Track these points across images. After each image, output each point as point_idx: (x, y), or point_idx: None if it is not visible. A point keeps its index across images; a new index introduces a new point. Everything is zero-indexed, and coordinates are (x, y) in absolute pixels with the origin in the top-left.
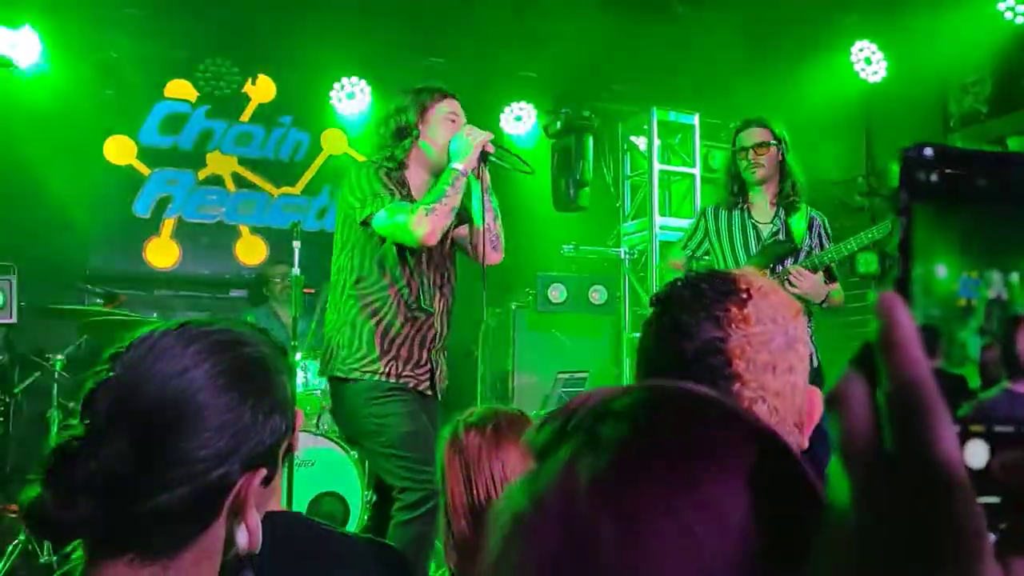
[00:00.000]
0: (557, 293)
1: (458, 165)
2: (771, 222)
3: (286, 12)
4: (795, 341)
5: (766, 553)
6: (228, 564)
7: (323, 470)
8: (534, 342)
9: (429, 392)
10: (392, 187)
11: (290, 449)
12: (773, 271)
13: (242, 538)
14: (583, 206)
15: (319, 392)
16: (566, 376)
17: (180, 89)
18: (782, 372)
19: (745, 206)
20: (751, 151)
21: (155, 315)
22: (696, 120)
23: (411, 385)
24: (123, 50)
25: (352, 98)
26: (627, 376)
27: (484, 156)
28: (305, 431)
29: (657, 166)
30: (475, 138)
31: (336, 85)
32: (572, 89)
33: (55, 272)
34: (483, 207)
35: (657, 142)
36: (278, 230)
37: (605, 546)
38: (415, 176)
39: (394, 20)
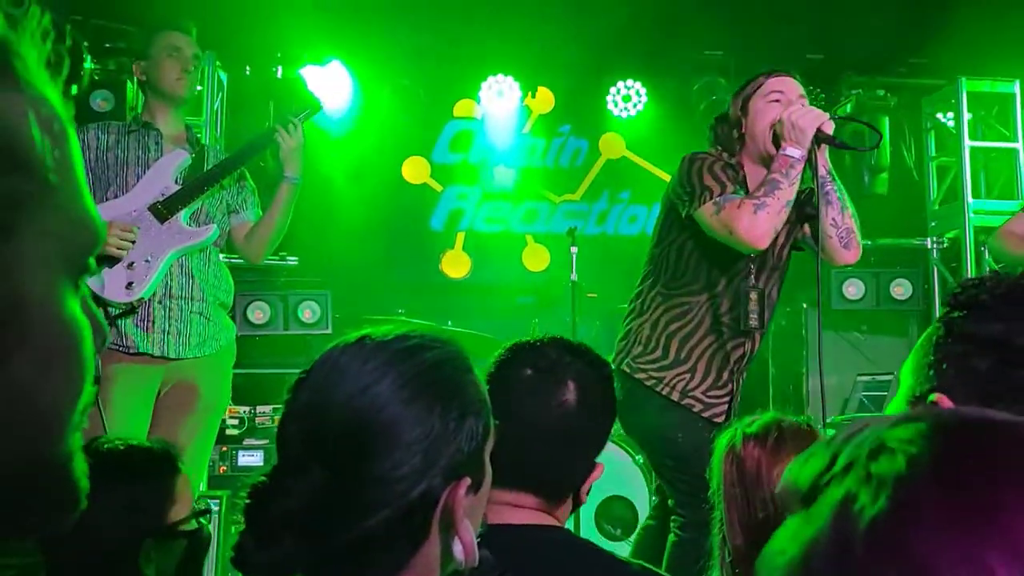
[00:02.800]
0: (854, 289)
1: (792, 151)
2: None
3: (558, 23)
4: None
5: None
6: None
7: (610, 474)
8: (829, 342)
9: (720, 419)
10: (725, 180)
11: (577, 502)
12: None
13: (458, 553)
14: (881, 193)
15: None
16: (867, 379)
17: (466, 108)
18: None
19: None
20: None
21: (449, 323)
22: (1017, 88)
23: (696, 409)
24: (415, 76)
25: (628, 101)
26: None
27: (819, 139)
28: None
29: (968, 143)
30: (807, 118)
31: (612, 90)
32: (862, 68)
33: (364, 286)
34: (823, 198)
35: (968, 116)
36: (560, 237)
37: None
38: (752, 175)
39: (666, 17)
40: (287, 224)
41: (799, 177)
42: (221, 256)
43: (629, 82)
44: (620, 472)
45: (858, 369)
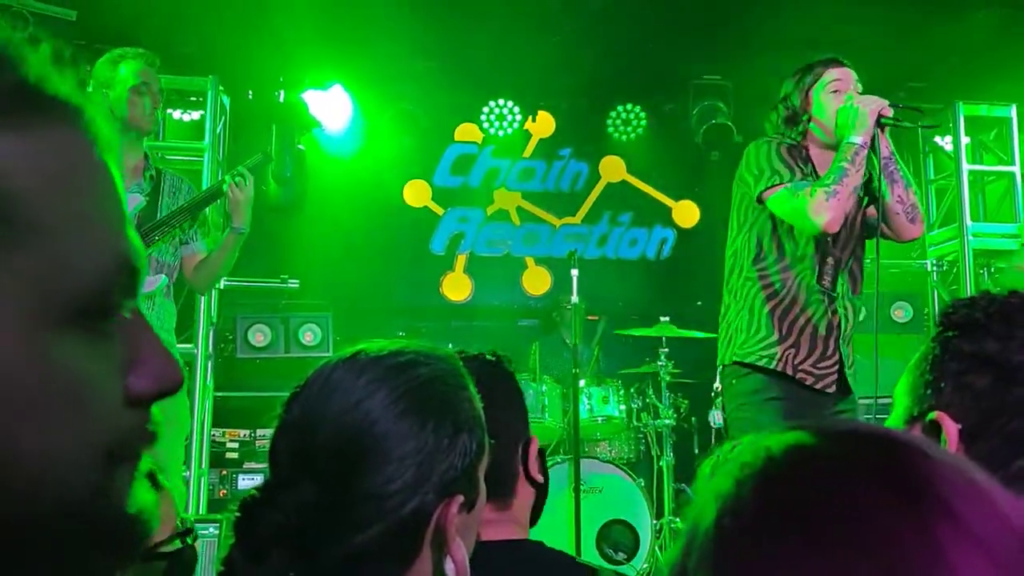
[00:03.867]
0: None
1: (855, 138)
2: None
3: (558, 48)
4: None
5: None
6: None
7: (611, 497)
8: None
9: (832, 389)
10: (793, 164)
11: (535, 483)
12: None
13: (450, 572)
14: None
15: (602, 419)
16: (868, 402)
17: (468, 132)
18: None
19: None
20: None
21: (450, 345)
22: (1014, 112)
23: (808, 383)
24: (416, 100)
25: (628, 125)
26: None
27: (880, 123)
28: (592, 457)
29: (966, 166)
30: (868, 105)
31: (612, 113)
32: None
33: (365, 309)
34: (889, 177)
35: (966, 140)
36: (561, 259)
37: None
38: (818, 157)
39: (665, 43)
40: (231, 266)
41: (864, 162)
42: (169, 296)
43: (629, 106)
44: (621, 495)
45: (858, 392)
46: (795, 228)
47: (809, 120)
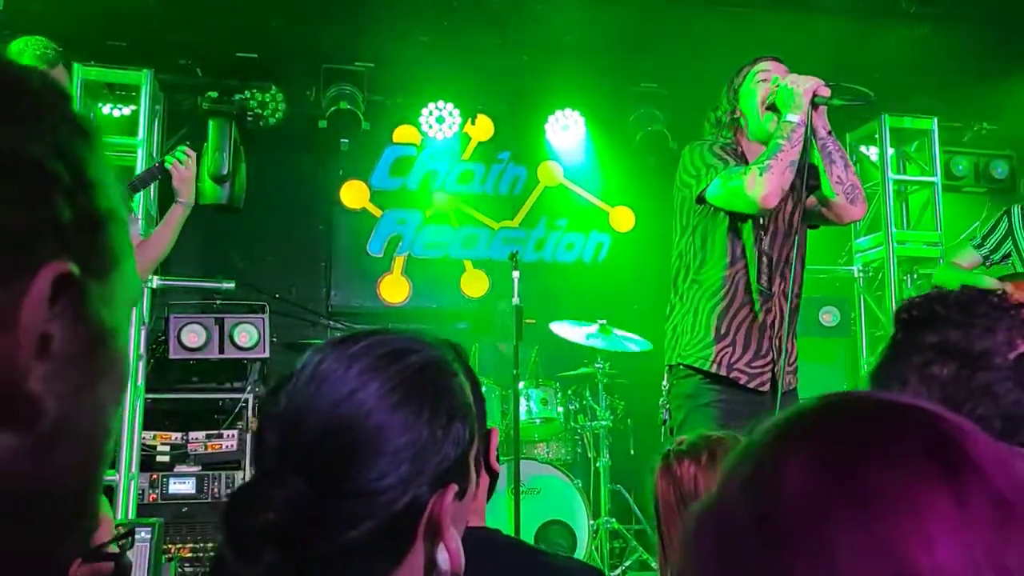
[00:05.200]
0: None
1: (791, 116)
2: None
3: (498, 52)
4: None
5: None
6: None
7: (549, 498)
8: None
9: (765, 388)
10: (727, 157)
11: (492, 472)
12: None
13: (443, 561)
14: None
15: (539, 421)
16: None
17: (407, 134)
18: None
19: None
20: None
21: None
22: (935, 125)
23: (743, 382)
24: (355, 101)
25: (566, 130)
26: None
27: (816, 101)
28: (530, 459)
29: (891, 176)
30: (802, 84)
31: (551, 118)
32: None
33: (301, 309)
34: (827, 157)
35: (890, 151)
36: (499, 263)
37: (753, 550)
38: (750, 149)
39: (604, 50)
40: (172, 245)
41: (800, 139)
42: None
43: (567, 111)
44: (559, 496)
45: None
46: (736, 224)
47: (739, 116)
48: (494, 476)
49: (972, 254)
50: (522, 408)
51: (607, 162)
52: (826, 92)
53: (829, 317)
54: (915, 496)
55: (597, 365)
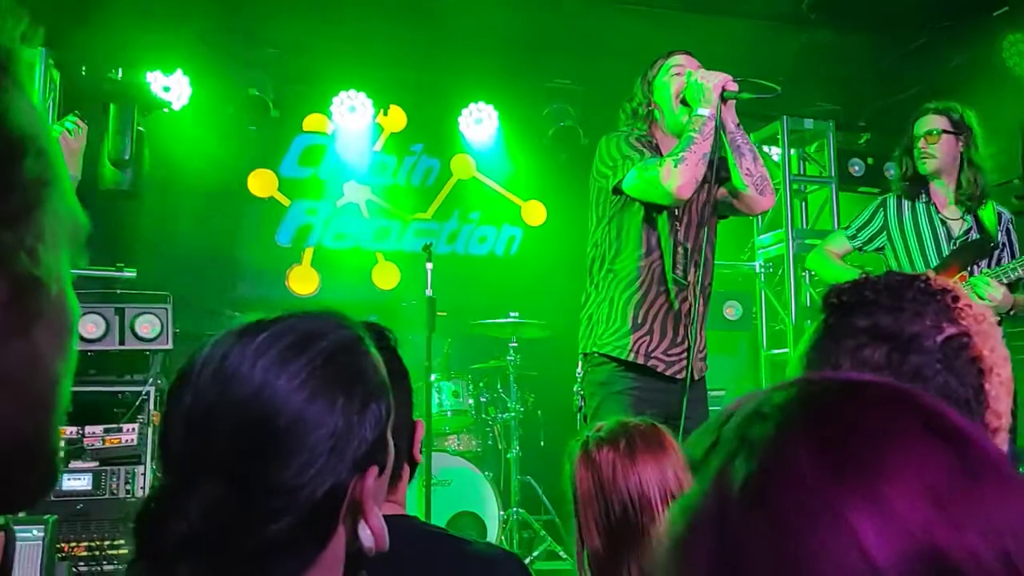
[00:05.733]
0: None
1: (702, 110)
2: (961, 218)
3: (414, 44)
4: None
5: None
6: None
7: (459, 490)
8: None
9: (681, 376)
10: (642, 148)
11: (414, 461)
12: (971, 274)
13: (367, 540)
14: None
15: (451, 413)
16: (717, 393)
17: (317, 123)
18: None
19: (930, 199)
20: (921, 139)
21: None
22: (832, 127)
23: (660, 369)
24: (264, 88)
25: (480, 123)
26: None
27: (725, 96)
28: (441, 451)
29: (790, 176)
30: (711, 80)
31: (464, 111)
32: None
33: (206, 300)
34: (736, 150)
35: (791, 151)
36: (411, 255)
37: (758, 552)
38: (663, 141)
39: (519, 44)
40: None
41: (712, 132)
42: None
43: (481, 105)
44: (469, 488)
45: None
46: (651, 216)
47: (653, 108)
48: (415, 466)
49: (845, 243)
50: (433, 400)
51: (520, 156)
52: (734, 87)
53: (732, 311)
54: (930, 474)
55: (509, 358)
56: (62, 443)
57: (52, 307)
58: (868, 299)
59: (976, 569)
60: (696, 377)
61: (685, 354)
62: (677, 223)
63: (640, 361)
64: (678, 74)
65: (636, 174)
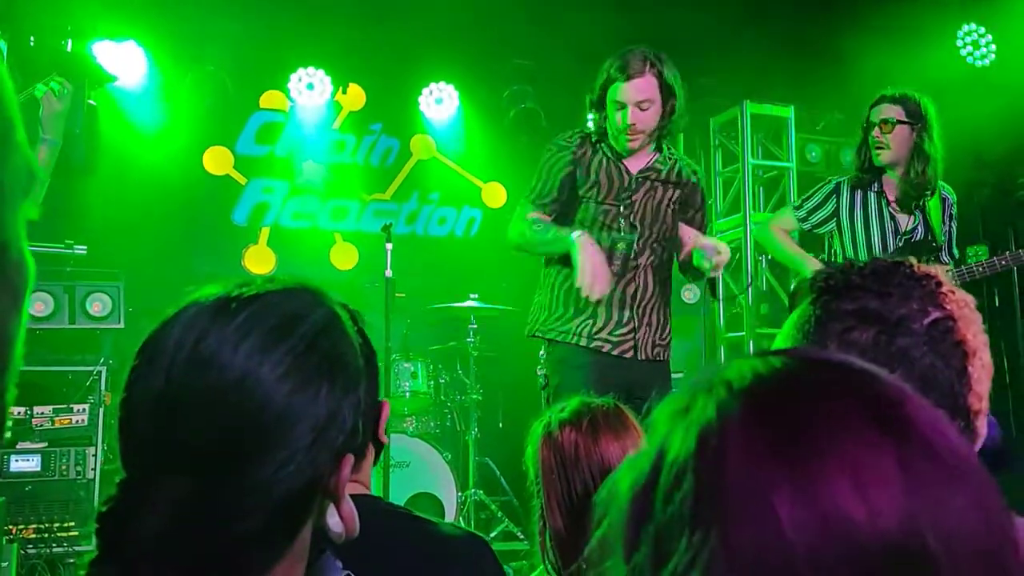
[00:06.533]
0: None
1: (576, 235)
2: (912, 213)
3: (374, 22)
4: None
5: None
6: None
7: (418, 471)
8: None
9: (629, 355)
10: (543, 193)
11: (379, 443)
12: None
13: (335, 525)
14: None
15: (409, 394)
16: (678, 375)
17: (274, 100)
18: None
19: (882, 189)
20: (876, 128)
21: None
22: (792, 113)
23: (605, 349)
24: (221, 63)
25: (440, 103)
26: None
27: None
28: (400, 432)
29: (750, 161)
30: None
31: (424, 91)
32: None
33: (160, 279)
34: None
35: (750, 136)
36: (369, 235)
37: (681, 520)
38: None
39: (481, 24)
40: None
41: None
42: None
43: (441, 84)
44: (428, 469)
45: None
46: (585, 200)
47: (604, 124)
48: (380, 448)
49: (792, 223)
50: (392, 382)
51: (480, 137)
52: (716, 273)
53: (690, 295)
54: (858, 457)
55: (468, 339)
56: (9, 423)
57: (9, 265)
58: (855, 283)
59: (884, 550)
60: (653, 358)
61: (631, 335)
62: (623, 219)
63: (583, 344)
64: (619, 110)
65: (514, 215)
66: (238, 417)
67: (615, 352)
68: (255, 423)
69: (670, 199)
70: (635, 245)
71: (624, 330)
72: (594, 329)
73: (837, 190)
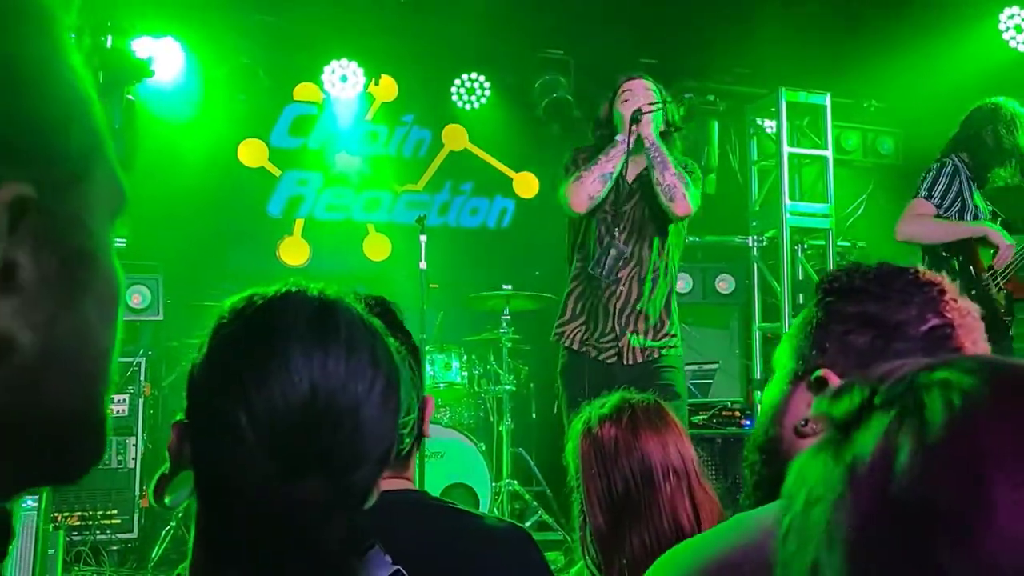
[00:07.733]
0: (682, 283)
1: (619, 136)
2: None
3: (407, 14)
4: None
5: None
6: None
7: (452, 462)
8: None
9: (612, 360)
10: (579, 162)
11: (422, 435)
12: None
13: None
14: (709, 193)
15: (443, 385)
16: (694, 367)
17: (308, 92)
18: None
19: (973, 179)
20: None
21: None
22: (828, 100)
23: (592, 355)
24: (255, 56)
25: (472, 94)
26: (758, 368)
27: (634, 118)
28: (435, 423)
29: (786, 149)
30: (626, 109)
31: (456, 81)
32: (692, 74)
33: (197, 271)
34: (652, 163)
35: (786, 124)
36: (402, 226)
37: (942, 514)
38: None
39: (512, 14)
40: None
41: (620, 154)
42: None
43: (473, 75)
44: (462, 460)
45: (686, 358)
46: (590, 218)
47: (611, 128)
48: (421, 441)
49: (932, 209)
50: (427, 373)
51: (512, 127)
52: (649, 109)
53: (725, 284)
54: None
55: (501, 330)
56: None
57: (100, 279)
58: (858, 287)
59: None
60: (641, 360)
61: (614, 343)
62: (601, 225)
63: (576, 347)
64: (626, 100)
65: (559, 187)
66: (366, 429)
67: (601, 358)
68: (374, 433)
69: (660, 204)
70: (620, 261)
71: (608, 339)
72: (585, 335)
73: (957, 171)
